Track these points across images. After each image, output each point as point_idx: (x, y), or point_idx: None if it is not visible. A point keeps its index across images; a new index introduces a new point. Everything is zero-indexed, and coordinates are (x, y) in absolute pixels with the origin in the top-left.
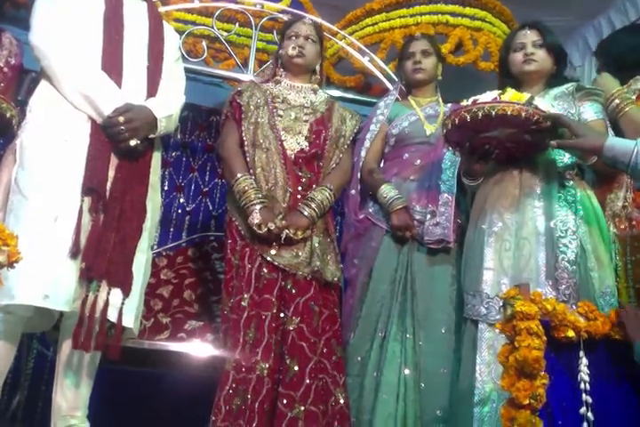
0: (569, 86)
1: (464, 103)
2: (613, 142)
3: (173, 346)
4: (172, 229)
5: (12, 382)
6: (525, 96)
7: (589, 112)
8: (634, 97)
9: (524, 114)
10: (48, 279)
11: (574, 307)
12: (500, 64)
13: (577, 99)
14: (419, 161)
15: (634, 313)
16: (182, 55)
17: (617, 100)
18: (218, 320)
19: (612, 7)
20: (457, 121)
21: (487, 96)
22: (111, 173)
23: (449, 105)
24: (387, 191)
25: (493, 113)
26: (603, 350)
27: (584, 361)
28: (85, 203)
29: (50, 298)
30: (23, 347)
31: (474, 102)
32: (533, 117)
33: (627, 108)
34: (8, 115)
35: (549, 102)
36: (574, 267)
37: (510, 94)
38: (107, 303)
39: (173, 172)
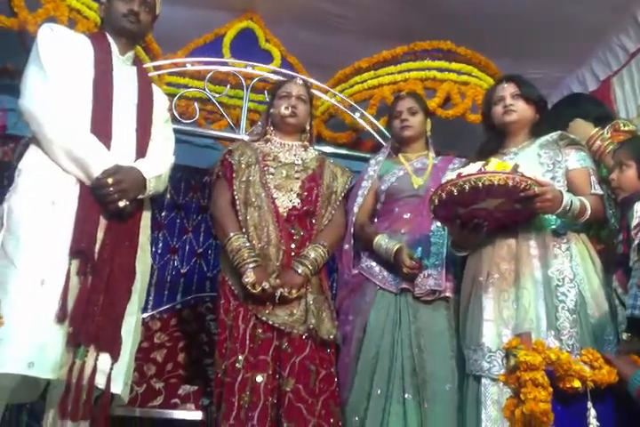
0: (553, 135)
1: (449, 177)
2: None
3: (166, 413)
4: (166, 292)
5: None
6: (510, 164)
7: (573, 160)
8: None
9: (510, 182)
10: (33, 346)
11: (578, 357)
12: (483, 118)
13: (561, 146)
14: (409, 214)
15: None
16: (175, 117)
17: (598, 142)
18: (212, 384)
19: (594, 59)
20: (444, 196)
21: (471, 168)
22: (100, 235)
23: (439, 158)
24: (381, 240)
25: (480, 184)
26: (610, 400)
27: (592, 412)
28: (73, 266)
29: (35, 366)
30: (12, 420)
31: (459, 175)
32: (520, 185)
33: (609, 148)
34: None
35: (536, 151)
36: (575, 316)
37: (494, 164)
38: (94, 369)
39: (167, 234)
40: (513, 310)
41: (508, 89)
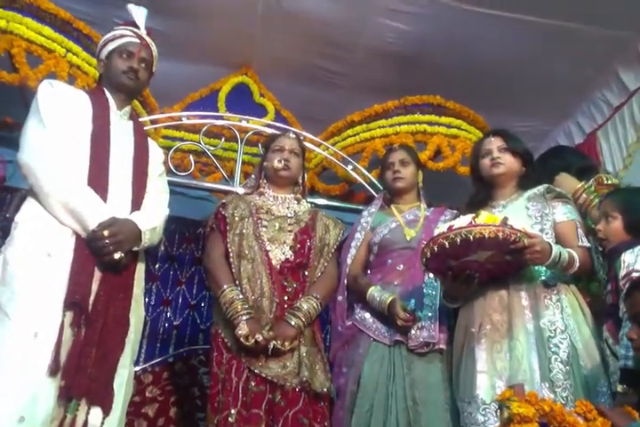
0: (540, 188)
1: (441, 230)
2: None
3: None
4: (158, 345)
5: None
6: (499, 217)
7: (560, 213)
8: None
9: (501, 235)
10: (25, 400)
11: (572, 409)
12: (471, 171)
13: (548, 199)
14: (402, 266)
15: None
16: (170, 170)
17: (584, 195)
18: None
19: (580, 112)
20: (436, 248)
21: (462, 221)
22: (94, 287)
23: (430, 209)
24: (374, 292)
25: (471, 237)
26: None
27: None
28: (67, 318)
29: (26, 420)
30: None
31: (450, 228)
32: (510, 237)
33: (595, 201)
34: None
35: (524, 204)
36: (568, 367)
37: (484, 217)
38: (85, 424)
39: (161, 285)
40: (506, 362)
41: (495, 142)
